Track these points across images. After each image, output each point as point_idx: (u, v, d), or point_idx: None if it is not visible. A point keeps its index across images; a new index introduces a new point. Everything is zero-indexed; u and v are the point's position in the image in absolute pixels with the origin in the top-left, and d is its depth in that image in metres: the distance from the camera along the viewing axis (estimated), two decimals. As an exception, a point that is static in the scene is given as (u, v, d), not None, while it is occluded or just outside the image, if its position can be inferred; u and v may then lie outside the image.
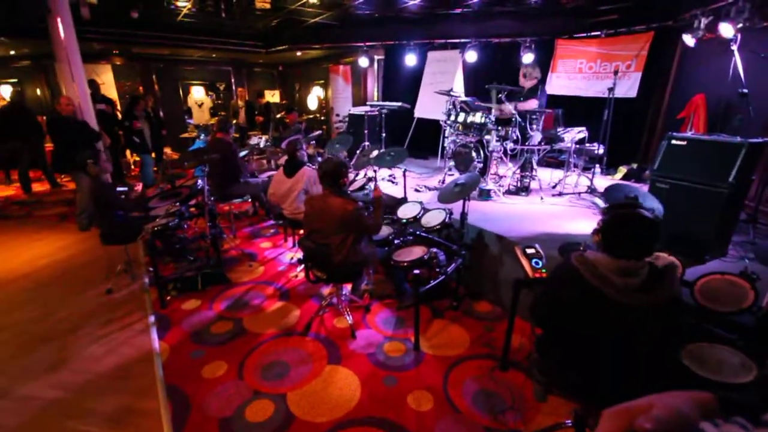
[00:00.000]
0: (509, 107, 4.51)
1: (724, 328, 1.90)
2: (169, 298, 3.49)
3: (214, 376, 2.57)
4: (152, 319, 3.21)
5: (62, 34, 5.15)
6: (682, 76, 5.32)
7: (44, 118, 7.31)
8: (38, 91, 9.66)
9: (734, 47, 3.64)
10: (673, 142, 2.85)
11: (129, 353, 2.81)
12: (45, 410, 2.32)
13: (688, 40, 4.48)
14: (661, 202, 2.64)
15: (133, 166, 8.31)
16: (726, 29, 3.85)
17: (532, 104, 4.69)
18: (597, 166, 4.83)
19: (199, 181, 4.05)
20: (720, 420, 0.37)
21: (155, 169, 7.53)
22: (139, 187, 4.12)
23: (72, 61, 5.28)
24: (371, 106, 6.34)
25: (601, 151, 4.74)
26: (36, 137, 6.96)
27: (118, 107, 8.07)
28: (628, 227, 1.51)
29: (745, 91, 3.40)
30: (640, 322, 1.49)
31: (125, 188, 4.39)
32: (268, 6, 6.56)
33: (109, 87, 9.52)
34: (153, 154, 7.55)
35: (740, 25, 3.79)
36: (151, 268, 3.52)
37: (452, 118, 5.01)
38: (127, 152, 8.02)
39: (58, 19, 5.10)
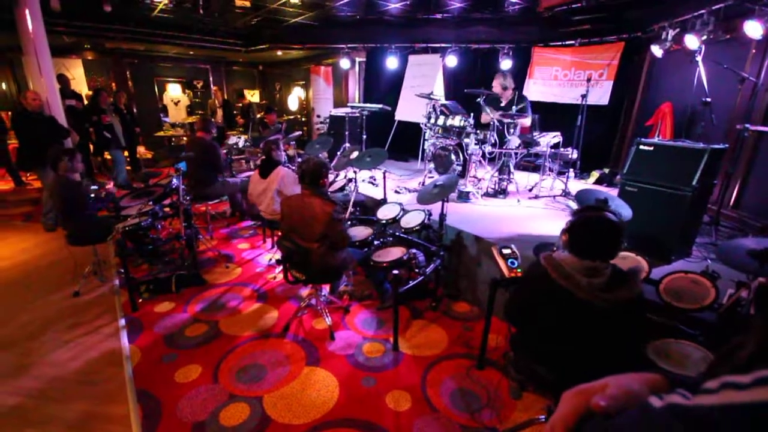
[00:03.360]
0: (491, 115, 4.59)
1: (688, 324, 1.99)
2: (141, 300, 3.38)
3: (188, 380, 2.50)
4: (122, 322, 3.10)
5: (30, 27, 4.94)
6: (650, 85, 5.56)
7: (8, 113, 6.96)
8: (3, 85, 9.21)
9: (699, 58, 3.82)
10: (641, 147, 2.97)
11: (96, 357, 2.70)
12: (4, 417, 2.21)
13: (656, 51, 4.69)
14: (631, 205, 2.74)
15: (102, 168, 8.01)
16: (691, 41, 4.05)
17: (528, 121, 4.80)
18: (571, 170, 4.98)
19: (174, 180, 3.94)
20: (664, 394, 0.39)
21: (128, 168, 7.29)
22: (110, 185, 3.97)
23: (40, 54, 5.06)
24: (352, 107, 6.34)
25: (575, 155, 4.89)
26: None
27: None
28: (594, 229, 1.57)
29: (708, 99, 3.58)
30: (604, 320, 1.55)
31: (95, 187, 4.22)
32: (248, 4, 6.48)
33: (79, 82, 9.16)
34: (126, 153, 7.31)
35: (704, 37, 3.99)
36: (122, 270, 3.40)
37: (432, 121, 5.06)
38: (98, 150, 7.71)
39: (26, 11, 4.89)
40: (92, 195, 3.69)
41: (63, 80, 6.62)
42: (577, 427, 0.46)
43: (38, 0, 4.97)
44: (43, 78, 5.11)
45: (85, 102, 7.06)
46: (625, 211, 2.48)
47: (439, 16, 6.55)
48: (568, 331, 1.63)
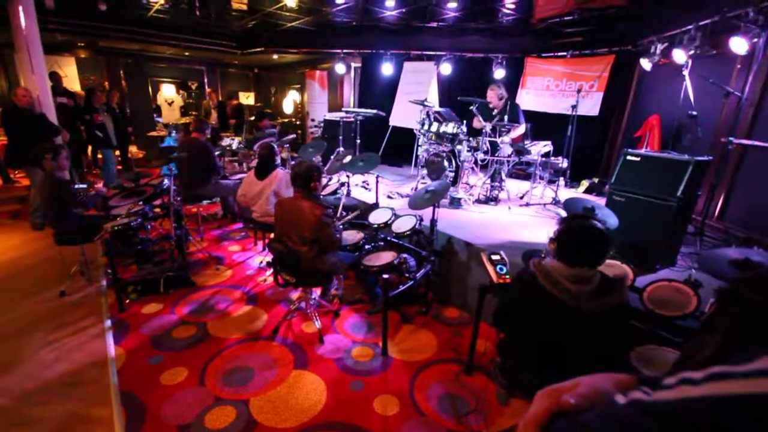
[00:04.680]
0: (483, 123, 4.64)
1: (670, 331, 2.02)
2: (128, 301, 3.35)
3: (174, 383, 2.47)
4: (108, 323, 3.06)
5: (23, 24, 4.89)
6: (639, 97, 5.68)
7: (-1, 109, 6.87)
8: (-7, 82, 9.09)
9: (686, 72, 3.93)
10: (628, 158, 3.03)
11: (81, 359, 2.66)
12: (-17, 420, 2.17)
13: (645, 64, 4.80)
14: (617, 214, 2.80)
15: (93, 167, 7.93)
16: (679, 55, 4.16)
17: (522, 130, 4.84)
18: (561, 179, 5.05)
19: (165, 181, 3.92)
20: (629, 391, 0.41)
21: (119, 168, 7.22)
22: (99, 185, 3.94)
23: (32, 51, 5.01)
24: (346, 112, 6.36)
25: (565, 164, 4.96)
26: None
27: (82, 101, 7.71)
28: (581, 236, 1.60)
29: (695, 113, 3.67)
30: (591, 326, 1.58)
31: (84, 185, 4.18)
32: (244, 7, 6.50)
33: (72, 80, 9.08)
34: (117, 152, 7.25)
35: (692, 52, 4.10)
36: (110, 270, 3.36)
37: (426, 127, 5.11)
38: (89, 149, 7.64)
39: (20, 8, 4.85)
40: (81, 194, 3.65)
41: (55, 78, 6.55)
42: (549, 424, 0.48)
43: (32, -4, 4.94)
44: (35, 75, 5.06)
45: (77, 100, 7.00)
46: (612, 220, 2.53)
47: (434, 24, 6.64)
48: (556, 337, 1.66)
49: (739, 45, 3.52)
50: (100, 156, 7.12)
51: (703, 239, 3.57)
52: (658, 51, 4.64)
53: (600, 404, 0.44)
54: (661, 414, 0.34)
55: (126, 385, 2.43)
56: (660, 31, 4.69)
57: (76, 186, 3.93)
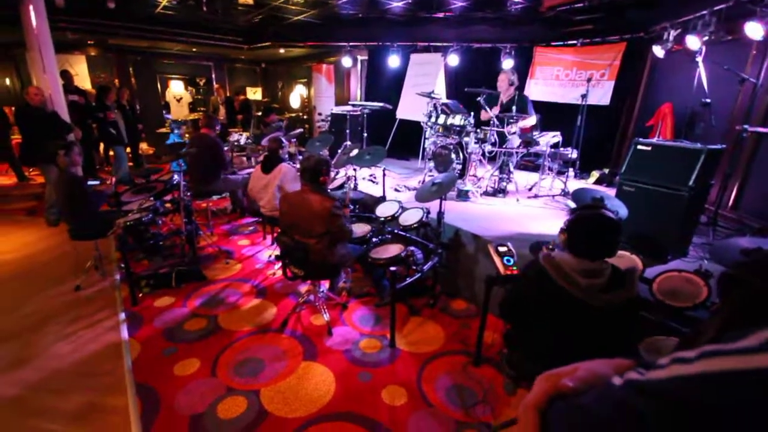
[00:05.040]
0: (490, 113, 4.60)
1: (680, 322, 2.00)
2: (141, 295, 3.42)
3: (186, 373, 2.53)
4: (122, 316, 3.13)
5: (34, 23, 4.98)
6: (651, 85, 5.55)
7: (12, 108, 7.01)
8: (8, 81, 9.27)
9: (699, 59, 3.83)
10: (639, 147, 2.98)
11: (96, 350, 2.74)
12: (4, 408, 2.24)
13: (658, 51, 4.69)
14: (628, 204, 2.76)
15: (105, 164, 8.07)
16: (692, 41, 4.05)
17: (533, 121, 4.78)
18: (571, 169, 4.98)
19: (175, 176, 3.97)
20: (639, 369, 0.41)
21: (130, 164, 7.33)
22: (111, 181, 4.03)
23: (44, 50, 5.10)
24: (353, 105, 6.35)
25: (574, 155, 4.89)
26: (1, 129, 6.66)
27: (93, 99, 7.83)
28: (592, 227, 1.58)
29: (708, 101, 3.59)
30: (601, 320, 1.56)
31: (97, 182, 4.26)
32: (251, 1, 6.50)
33: (83, 78, 9.22)
34: (128, 149, 7.36)
35: (706, 38, 4.00)
36: (123, 265, 3.44)
37: (433, 119, 5.07)
38: (101, 146, 7.77)
39: (30, 7, 4.93)
40: (94, 190, 3.72)
41: (66, 76, 6.65)
42: (548, 407, 0.48)
43: (42, -4, 5.01)
44: (47, 74, 5.15)
45: (88, 98, 7.11)
46: (621, 211, 2.49)
47: (441, 15, 6.55)
48: (564, 329, 1.65)
49: (754, 30, 3.42)
50: (111, 153, 7.24)
51: (716, 229, 3.51)
52: (671, 37, 4.53)
53: (598, 387, 0.44)
54: (654, 393, 0.34)
55: (140, 375, 2.50)
56: (673, 17, 4.56)
57: (89, 182, 4.01)
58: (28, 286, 3.59)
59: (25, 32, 5.05)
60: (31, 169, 7.00)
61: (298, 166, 3.92)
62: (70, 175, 3.46)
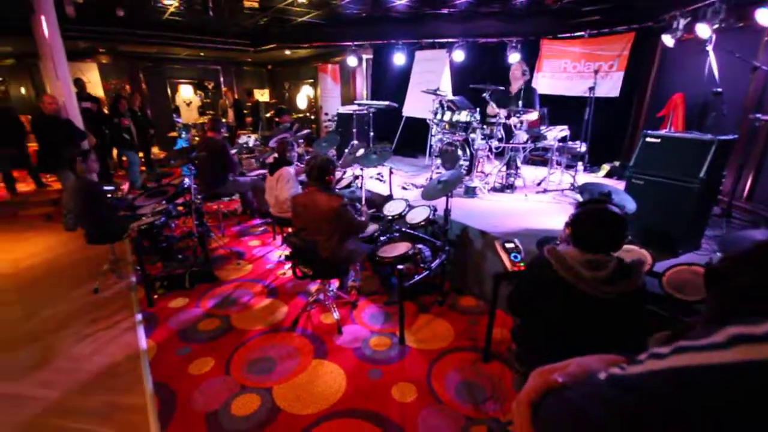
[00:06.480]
0: (497, 110, 4.58)
1: (690, 316, 1.98)
2: (156, 296, 3.50)
3: (201, 372, 2.59)
4: (139, 317, 3.22)
5: (46, 33, 5.10)
6: (662, 75, 5.46)
7: (28, 117, 7.21)
8: (23, 90, 9.53)
9: (709, 47, 3.75)
10: (648, 139, 2.94)
11: (115, 351, 2.82)
12: (30, 409, 2.33)
13: (668, 40, 4.61)
14: (637, 197, 2.73)
15: (118, 168, 8.25)
16: (703, 30, 3.97)
17: (534, 116, 4.75)
18: (580, 163, 4.93)
19: (186, 180, 4.05)
20: (621, 365, 0.43)
21: (143, 168, 7.48)
22: (125, 186, 4.14)
23: (56, 59, 5.23)
24: (359, 105, 6.37)
25: (583, 148, 4.84)
26: (18, 137, 6.84)
27: (105, 106, 8.01)
28: (596, 222, 1.58)
29: (719, 90, 3.52)
30: (606, 312, 1.56)
31: (111, 187, 4.37)
32: (256, 5, 6.56)
33: (95, 85, 9.42)
34: (141, 154, 7.51)
35: (716, 26, 3.91)
36: (138, 267, 3.52)
37: (439, 116, 5.07)
38: (114, 151, 7.95)
39: (42, 18, 5.05)
40: (109, 195, 3.82)
41: (79, 84, 6.82)
42: (540, 401, 0.51)
43: (54, 7, 5.14)
44: (60, 82, 5.28)
45: (101, 105, 7.28)
46: (630, 204, 2.47)
47: (445, 11, 6.53)
48: (570, 323, 1.65)
49: (765, 16, 3.34)
50: (124, 158, 7.39)
51: (730, 221, 3.45)
52: (680, 26, 4.44)
53: (584, 381, 0.46)
54: (629, 387, 0.36)
55: (158, 375, 2.57)
56: (682, 6, 4.47)
57: (105, 187, 4.11)
58: (48, 289, 3.71)
59: (38, 42, 5.18)
60: (48, 176, 7.21)
61: (302, 166, 3.98)
62: (87, 181, 3.55)
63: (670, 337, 0.51)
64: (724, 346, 0.31)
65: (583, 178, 4.98)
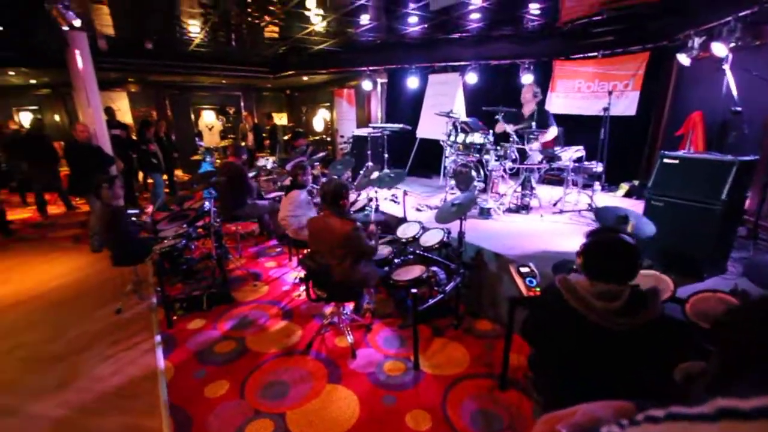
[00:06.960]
0: (504, 126, 4.61)
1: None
2: (175, 317, 3.57)
3: (216, 396, 2.61)
4: (158, 338, 3.28)
5: (80, 65, 5.45)
6: (679, 94, 5.39)
7: (61, 143, 7.64)
8: (57, 118, 10.10)
9: (726, 66, 3.71)
10: (666, 161, 2.90)
11: (135, 373, 2.87)
12: (48, 428, 2.38)
13: (683, 59, 4.58)
14: (657, 219, 2.67)
15: (143, 190, 8.57)
16: (719, 48, 3.94)
17: (554, 132, 4.77)
18: (597, 183, 4.87)
19: (206, 203, 4.18)
20: (622, 421, 0.43)
21: (166, 190, 7.76)
22: (149, 209, 4.31)
23: (89, 89, 5.57)
24: (374, 128, 6.50)
25: (600, 168, 4.78)
26: (51, 162, 7.21)
27: (134, 132, 8.41)
28: (607, 252, 1.54)
29: (739, 109, 3.46)
30: (621, 345, 1.51)
31: (136, 210, 4.55)
32: (276, 35, 6.86)
33: (124, 113, 9.93)
34: (165, 176, 7.81)
35: (732, 44, 3.87)
36: (159, 288, 3.61)
37: (452, 138, 5.12)
38: (140, 174, 8.29)
39: (77, 51, 5.41)
40: (134, 218, 3.98)
41: (109, 112, 7.20)
42: None
43: (87, 41, 5.50)
44: (92, 110, 5.60)
45: (129, 131, 7.65)
46: (648, 228, 2.42)
47: (458, 35, 6.67)
48: (583, 354, 1.61)
49: (785, 34, 3.30)
50: (150, 180, 7.71)
51: (757, 243, 3.32)
52: (696, 45, 4.41)
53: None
54: None
55: (174, 397, 2.60)
56: (696, 25, 4.46)
57: (129, 211, 4.28)
58: (75, 309, 3.83)
59: (72, 74, 5.53)
60: (77, 199, 7.54)
61: (314, 188, 4.06)
62: (112, 208, 3.70)
63: (688, 377, 0.50)
64: (711, 419, 0.31)
65: (602, 197, 4.90)
